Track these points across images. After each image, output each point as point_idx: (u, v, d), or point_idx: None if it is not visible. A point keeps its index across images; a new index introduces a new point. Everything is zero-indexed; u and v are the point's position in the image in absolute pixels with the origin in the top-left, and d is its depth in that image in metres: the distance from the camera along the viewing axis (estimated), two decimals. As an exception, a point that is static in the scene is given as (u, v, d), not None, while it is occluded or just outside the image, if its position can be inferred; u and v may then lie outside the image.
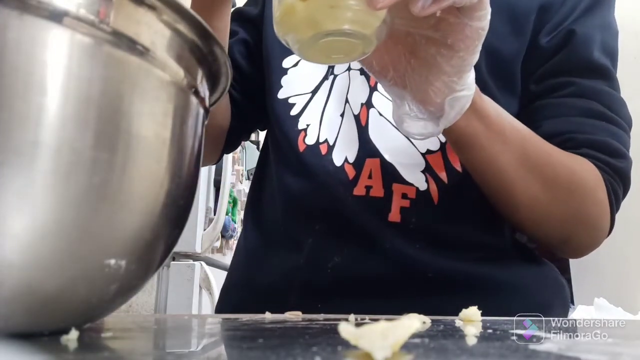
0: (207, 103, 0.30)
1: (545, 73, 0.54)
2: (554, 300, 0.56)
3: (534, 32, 0.55)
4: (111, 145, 0.21)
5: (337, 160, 0.55)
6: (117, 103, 0.21)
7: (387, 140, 0.54)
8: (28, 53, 0.18)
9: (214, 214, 1.79)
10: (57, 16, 0.19)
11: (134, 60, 0.22)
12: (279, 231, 0.58)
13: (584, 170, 0.49)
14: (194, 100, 0.27)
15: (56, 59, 0.19)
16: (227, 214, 1.85)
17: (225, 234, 1.95)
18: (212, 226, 1.75)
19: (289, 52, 0.60)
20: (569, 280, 1.29)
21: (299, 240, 0.55)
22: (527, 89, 0.55)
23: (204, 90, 0.29)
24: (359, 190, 0.53)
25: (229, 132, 0.67)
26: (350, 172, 0.54)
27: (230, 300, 0.62)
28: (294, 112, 0.58)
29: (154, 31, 0.23)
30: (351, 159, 0.54)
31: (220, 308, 0.63)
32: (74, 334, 0.21)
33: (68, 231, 0.20)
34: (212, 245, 1.76)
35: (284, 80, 0.60)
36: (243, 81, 0.66)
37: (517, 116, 0.52)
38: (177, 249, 1.52)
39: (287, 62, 0.61)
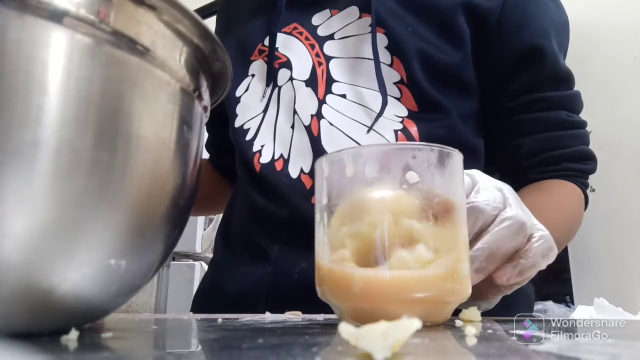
0: (207, 103, 0.30)
1: (519, 90, 0.59)
2: (518, 298, 0.57)
3: (477, 37, 0.58)
4: (111, 145, 0.21)
5: (293, 172, 0.57)
6: (117, 103, 0.21)
7: (340, 148, 0.56)
8: (28, 53, 0.18)
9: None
10: (57, 16, 0.19)
11: (134, 60, 0.22)
12: (247, 242, 0.60)
13: (574, 204, 0.57)
14: (194, 100, 0.27)
15: (56, 59, 0.19)
16: (227, 214, 1.85)
17: (225, 234, 1.95)
18: (212, 226, 1.75)
19: (241, 81, 0.65)
20: (569, 280, 1.29)
21: (265, 248, 0.57)
22: (502, 104, 0.60)
23: (204, 90, 0.29)
24: None
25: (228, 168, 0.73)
26: (307, 182, 0.56)
27: (201, 307, 0.63)
28: (248, 137, 0.62)
29: (154, 31, 0.23)
30: (307, 170, 0.57)
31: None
32: (74, 334, 0.21)
33: (68, 231, 0.20)
34: (212, 245, 1.76)
35: (238, 108, 0.64)
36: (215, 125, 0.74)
37: (482, 114, 0.61)
38: (177, 249, 1.52)
39: (239, 91, 0.65)
